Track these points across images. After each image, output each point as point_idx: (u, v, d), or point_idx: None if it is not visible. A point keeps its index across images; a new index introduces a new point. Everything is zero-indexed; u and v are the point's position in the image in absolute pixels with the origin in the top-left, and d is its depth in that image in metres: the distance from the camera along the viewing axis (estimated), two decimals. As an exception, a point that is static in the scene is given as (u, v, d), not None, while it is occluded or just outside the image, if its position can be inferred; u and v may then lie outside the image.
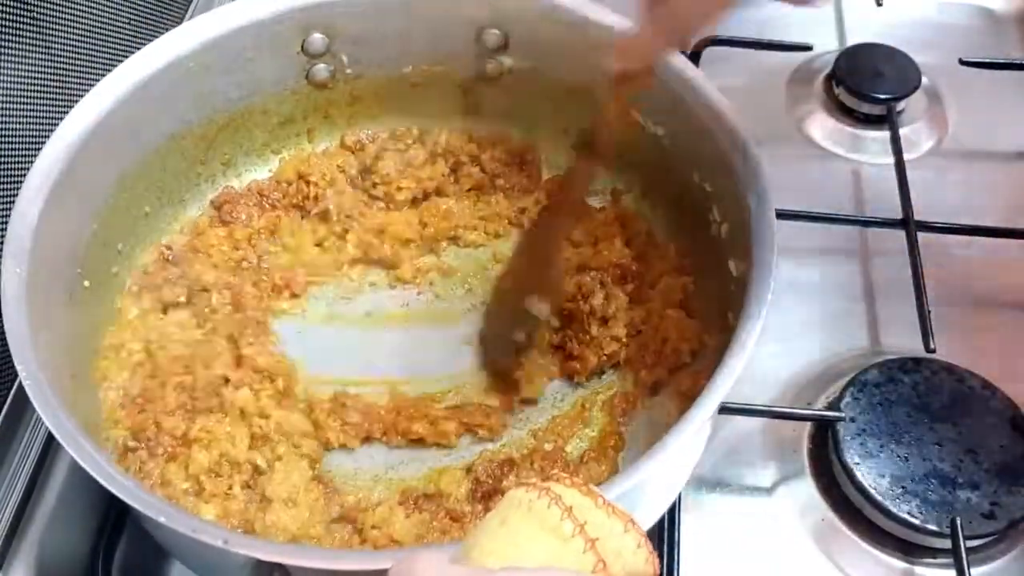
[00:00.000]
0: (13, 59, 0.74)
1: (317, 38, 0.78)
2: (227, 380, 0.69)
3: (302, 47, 0.78)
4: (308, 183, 0.81)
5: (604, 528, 0.42)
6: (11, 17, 0.73)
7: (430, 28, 0.79)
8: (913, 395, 0.71)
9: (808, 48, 0.95)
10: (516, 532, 0.41)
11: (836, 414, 0.70)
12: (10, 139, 0.73)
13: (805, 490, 0.70)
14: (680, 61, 0.71)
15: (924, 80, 0.93)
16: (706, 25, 0.60)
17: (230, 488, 0.65)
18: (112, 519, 0.67)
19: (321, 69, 0.80)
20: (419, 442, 0.71)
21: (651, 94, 0.73)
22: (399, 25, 0.78)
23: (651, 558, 0.43)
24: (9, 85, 0.73)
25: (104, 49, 0.85)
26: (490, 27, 0.78)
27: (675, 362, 0.71)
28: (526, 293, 0.72)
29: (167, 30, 0.72)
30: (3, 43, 0.72)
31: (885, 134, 0.89)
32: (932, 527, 0.65)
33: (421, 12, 0.78)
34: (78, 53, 0.82)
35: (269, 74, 0.78)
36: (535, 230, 0.77)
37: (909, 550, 0.67)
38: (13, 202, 0.63)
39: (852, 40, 0.99)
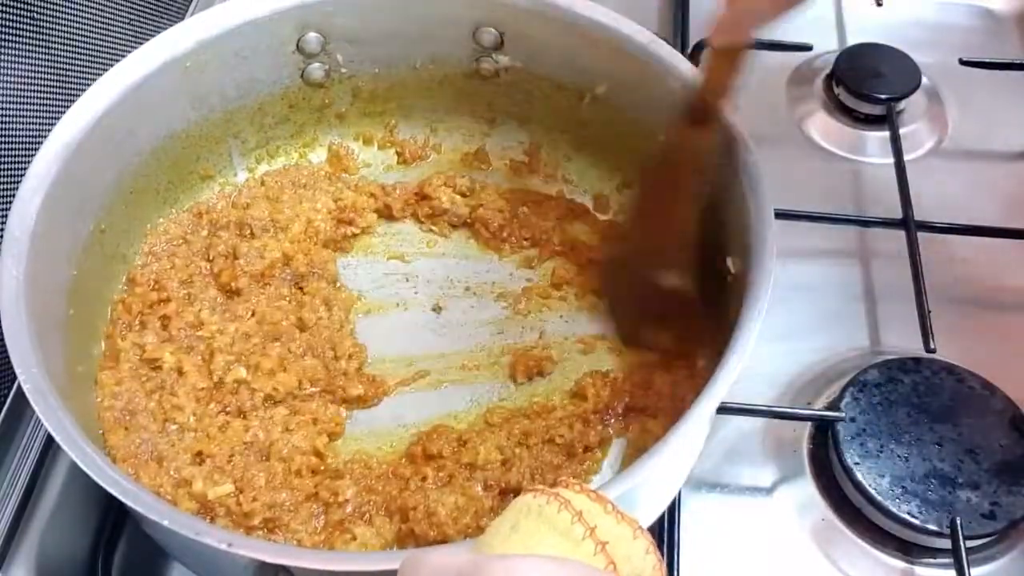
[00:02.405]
0: (13, 59, 0.74)
1: (312, 37, 0.78)
2: None
3: (297, 46, 0.78)
4: None
5: (613, 533, 0.42)
6: (11, 17, 0.73)
7: (425, 27, 0.79)
8: (913, 395, 0.71)
9: (808, 48, 0.95)
10: (527, 536, 0.42)
11: (836, 414, 0.70)
12: (10, 139, 0.73)
13: (805, 490, 0.70)
14: (679, 61, 0.71)
15: (924, 80, 0.93)
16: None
17: None
18: (112, 519, 0.67)
19: (316, 68, 0.80)
20: None
21: (649, 93, 0.73)
22: (394, 24, 0.78)
23: (659, 564, 0.43)
24: (9, 85, 0.73)
25: (104, 49, 0.85)
26: (485, 25, 0.78)
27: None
28: (653, 269, 0.69)
29: (167, 29, 0.72)
30: (3, 43, 0.72)
31: (885, 134, 0.89)
32: (932, 527, 0.65)
33: (416, 11, 0.78)
34: (78, 53, 0.82)
35: (265, 73, 0.78)
36: (647, 199, 0.72)
37: (909, 550, 0.67)
38: (11, 203, 0.63)
39: (852, 40, 0.99)
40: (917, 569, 0.67)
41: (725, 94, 0.65)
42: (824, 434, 0.71)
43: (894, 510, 0.66)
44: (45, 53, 0.77)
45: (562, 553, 0.41)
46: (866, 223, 0.84)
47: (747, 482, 0.71)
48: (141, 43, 0.71)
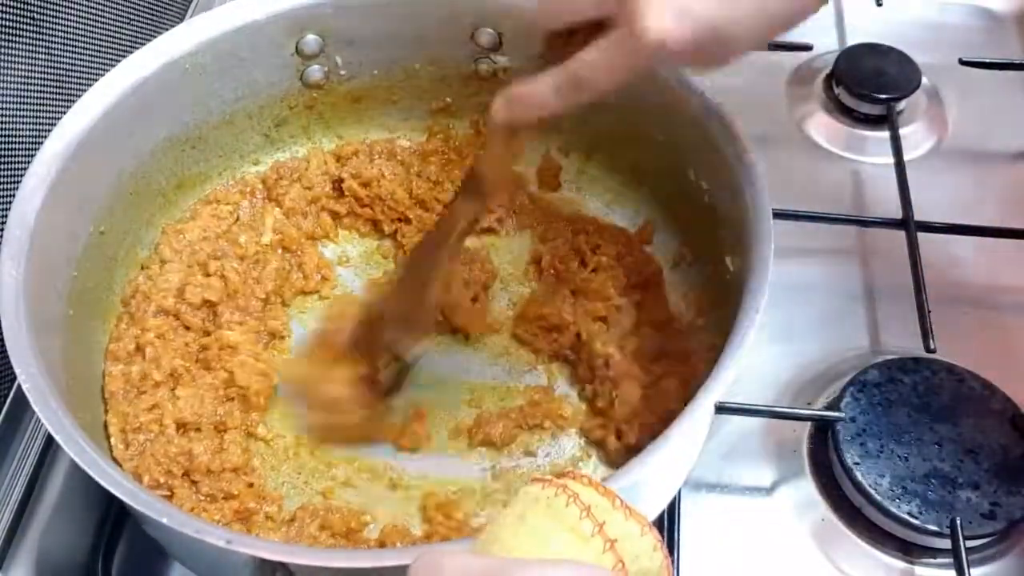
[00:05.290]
0: (13, 59, 0.74)
1: (311, 39, 0.78)
2: None
3: (296, 48, 0.78)
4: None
5: (622, 530, 0.42)
6: (11, 17, 0.73)
7: (424, 28, 0.79)
8: (913, 395, 0.71)
9: (808, 48, 0.95)
10: (536, 529, 0.41)
11: (836, 414, 0.70)
12: (10, 139, 0.74)
13: (805, 490, 0.70)
14: (679, 61, 0.71)
15: (924, 80, 0.92)
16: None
17: None
18: (112, 519, 0.67)
19: (315, 70, 0.80)
20: None
21: (648, 93, 0.73)
22: (393, 26, 0.79)
23: (666, 562, 0.43)
24: (9, 85, 0.74)
25: (104, 49, 0.85)
26: (484, 26, 0.78)
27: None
28: (394, 329, 0.69)
29: (167, 30, 0.72)
30: (3, 43, 0.73)
31: (885, 134, 0.89)
32: (932, 527, 0.65)
33: (415, 12, 0.78)
34: (78, 53, 0.82)
35: (264, 75, 0.78)
36: (414, 263, 0.71)
37: (909, 550, 0.67)
38: (11, 203, 0.63)
39: (852, 40, 0.98)
40: (917, 569, 0.67)
41: (502, 174, 0.63)
42: (824, 434, 0.71)
43: (894, 510, 0.66)
44: (45, 53, 0.77)
45: (571, 550, 0.41)
46: (866, 223, 0.84)
47: (747, 482, 0.71)
48: (141, 44, 0.71)
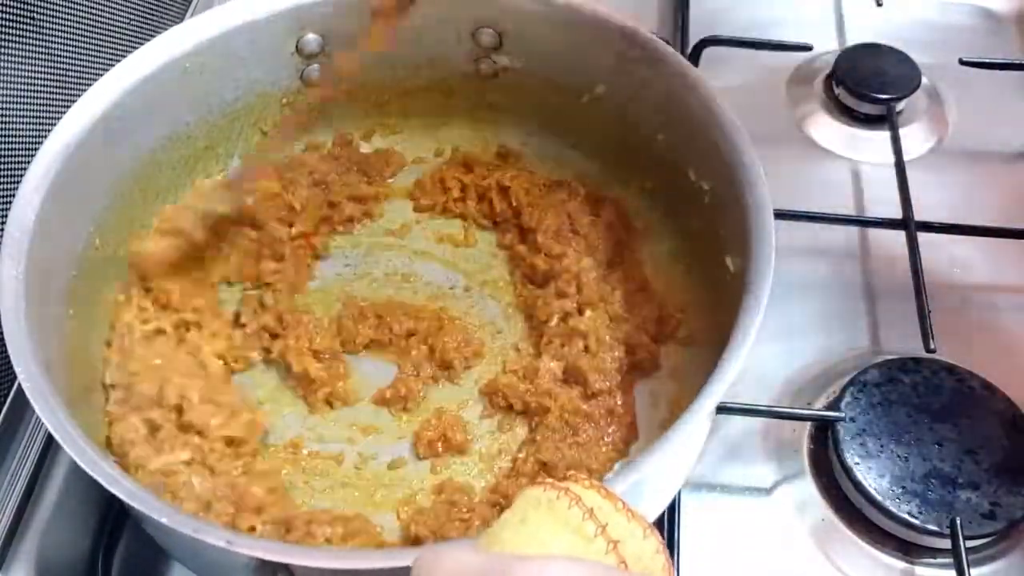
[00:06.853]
0: (13, 59, 0.74)
1: (311, 38, 0.78)
2: None
3: (296, 47, 0.78)
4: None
5: (624, 531, 0.42)
6: (11, 17, 0.73)
7: (424, 27, 0.79)
8: (913, 395, 0.71)
9: (808, 48, 0.95)
10: (538, 530, 0.41)
11: (836, 414, 0.70)
12: (10, 139, 0.74)
13: (805, 490, 0.70)
14: (678, 60, 0.71)
15: (924, 80, 0.92)
16: None
17: None
18: (112, 519, 0.67)
19: (315, 69, 0.80)
20: None
21: (649, 93, 0.73)
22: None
23: (668, 564, 0.43)
24: (9, 85, 0.73)
25: (104, 49, 0.85)
26: (484, 26, 0.78)
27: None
28: None
29: (167, 30, 0.72)
30: (3, 43, 0.73)
31: (885, 134, 0.89)
32: (932, 527, 0.65)
33: (415, 12, 0.77)
34: (78, 53, 0.82)
35: (264, 75, 0.78)
36: None
37: (909, 550, 0.67)
38: (11, 203, 0.63)
39: (852, 40, 0.99)
40: (917, 569, 0.67)
41: None
42: (824, 434, 0.71)
43: (894, 510, 0.66)
44: (45, 53, 0.77)
45: (574, 551, 0.41)
46: (866, 223, 0.84)
47: (747, 482, 0.71)
48: (141, 43, 0.71)
